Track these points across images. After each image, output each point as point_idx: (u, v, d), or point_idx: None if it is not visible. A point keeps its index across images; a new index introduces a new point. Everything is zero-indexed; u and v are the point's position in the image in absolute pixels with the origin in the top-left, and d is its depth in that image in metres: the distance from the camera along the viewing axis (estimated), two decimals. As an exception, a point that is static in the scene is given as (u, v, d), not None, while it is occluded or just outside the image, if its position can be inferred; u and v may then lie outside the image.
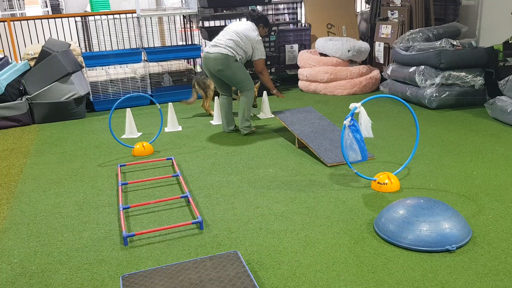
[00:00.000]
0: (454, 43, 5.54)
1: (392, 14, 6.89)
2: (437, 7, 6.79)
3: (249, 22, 4.70)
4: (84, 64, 6.35)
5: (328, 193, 3.36)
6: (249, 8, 4.60)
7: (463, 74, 5.40)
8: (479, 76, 5.43)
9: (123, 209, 3.14)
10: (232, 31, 4.63)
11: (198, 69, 7.70)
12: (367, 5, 8.30)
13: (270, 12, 7.80)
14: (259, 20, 4.73)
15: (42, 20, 7.46)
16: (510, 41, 5.45)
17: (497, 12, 6.30)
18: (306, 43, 7.41)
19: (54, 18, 7.62)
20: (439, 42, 5.57)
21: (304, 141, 4.17)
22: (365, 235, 2.76)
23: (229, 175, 3.80)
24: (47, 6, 12.14)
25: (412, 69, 5.68)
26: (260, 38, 4.69)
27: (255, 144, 4.57)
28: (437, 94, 5.39)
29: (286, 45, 7.34)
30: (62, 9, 12.43)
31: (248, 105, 4.78)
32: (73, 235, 2.94)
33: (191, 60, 7.66)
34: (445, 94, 5.40)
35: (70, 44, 6.52)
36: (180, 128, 5.26)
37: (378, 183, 3.37)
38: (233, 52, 4.57)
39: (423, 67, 5.53)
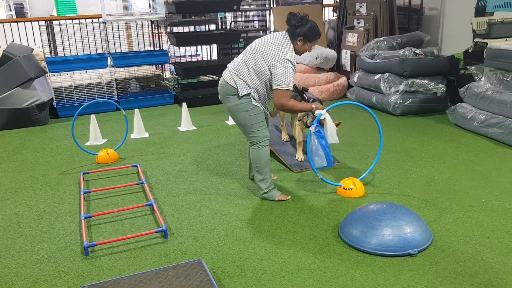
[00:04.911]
0: (417, 51, 5.69)
1: (358, 23, 7.02)
2: (401, 17, 6.97)
3: (280, 33, 3.21)
4: (47, 69, 6.19)
5: (294, 199, 3.37)
6: (287, 14, 3.22)
7: (425, 81, 5.55)
8: (441, 83, 5.59)
9: (85, 218, 3.06)
10: (252, 44, 3.26)
11: (167, 74, 7.63)
12: (334, 13, 8.43)
13: (239, 19, 7.83)
14: (298, 31, 3.14)
15: (5, 24, 7.22)
16: (470, 50, 5.63)
17: (458, 22, 6.51)
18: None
19: (17, 22, 7.39)
20: (402, 51, 5.71)
21: (271, 147, 4.18)
22: (330, 240, 2.78)
23: (196, 182, 3.77)
24: (11, 10, 11.80)
25: (377, 76, 5.79)
26: (285, 57, 3.07)
27: (223, 151, 4.55)
28: (401, 101, 5.51)
29: (254, 52, 7.35)
30: (27, 13, 12.11)
31: (258, 165, 3.31)
32: (31, 246, 2.84)
33: (160, 65, 7.59)
34: (408, 101, 5.53)
35: (32, 49, 6.34)
36: (147, 135, 5.18)
37: (344, 188, 3.41)
38: (237, 78, 3.19)
39: (387, 74, 5.65)
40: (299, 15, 3.17)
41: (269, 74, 3.14)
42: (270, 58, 3.10)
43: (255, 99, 3.23)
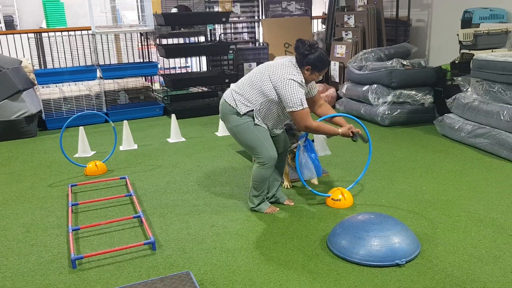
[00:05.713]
0: (404, 63, 5.77)
1: (346, 35, 7.10)
2: (388, 28, 7.06)
3: (289, 58, 3.14)
4: (36, 82, 6.16)
5: (283, 210, 3.37)
6: (296, 40, 3.13)
7: (413, 92, 5.61)
8: (428, 94, 5.66)
9: (73, 230, 3.03)
10: (259, 66, 3.21)
11: (157, 86, 7.64)
12: (323, 25, 8.52)
13: (228, 31, 7.88)
14: (306, 60, 3.04)
15: (-7, 36, 7.20)
16: (456, 61, 5.72)
17: (444, 34, 6.62)
18: (264, 62, 7.50)
19: (6, 34, 7.37)
20: (390, 62, 5.78)
21: None
22: (319, 251, 2.78)
23: (184, 194, 3.76)
24: (0, 22, 11.76)
25: (365, 87, 5.85)
26: (291, 77, 2.99)
27: (212, 162, 4.55)
28: (389, 112, 5.57)
29: (244, 63, 7.41)
30: (16, 25, 12.08)
31: (257, 183, 3.26)
32: (18, 259, 2.80)
33: (149, 77, 7.59)
34: (396, 112, 5.58)
35: (21, 61, 6.31)
36: (135, 147, 5.16)
37: (332, 199, 3.42)
38: (237, 95, 3.12)
39: (375, 86, 5.71)
40: (308, 42, 3.05)
41: (274, 93, 3.03)
42: (277, 78, 3.01)
43: (257, 118, 3.12)
